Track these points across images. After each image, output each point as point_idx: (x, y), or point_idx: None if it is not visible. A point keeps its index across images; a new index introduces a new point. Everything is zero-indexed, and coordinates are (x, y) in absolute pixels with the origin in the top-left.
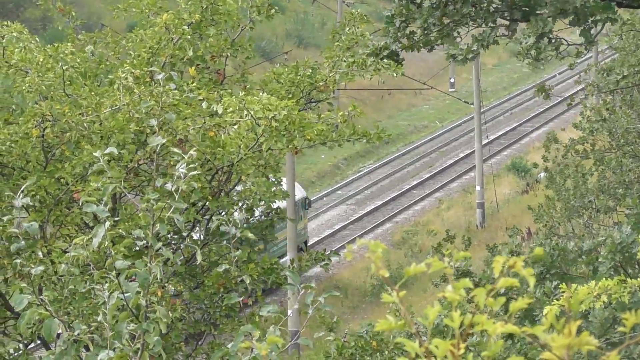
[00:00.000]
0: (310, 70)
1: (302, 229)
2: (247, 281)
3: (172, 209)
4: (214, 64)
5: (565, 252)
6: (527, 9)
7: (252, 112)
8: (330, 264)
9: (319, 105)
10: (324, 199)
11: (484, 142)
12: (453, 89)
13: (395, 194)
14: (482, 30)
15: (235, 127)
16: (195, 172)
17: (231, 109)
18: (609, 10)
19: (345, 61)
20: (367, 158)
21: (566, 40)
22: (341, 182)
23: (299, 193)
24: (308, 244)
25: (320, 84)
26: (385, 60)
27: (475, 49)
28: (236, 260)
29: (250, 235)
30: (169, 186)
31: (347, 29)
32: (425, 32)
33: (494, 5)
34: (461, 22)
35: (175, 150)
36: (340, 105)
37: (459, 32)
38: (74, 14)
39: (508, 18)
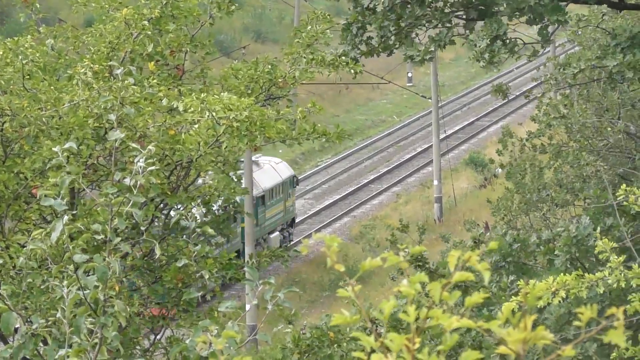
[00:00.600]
0: (270, 67)
1: (290, 206)
2: (206, 276)
3: (130, 203)
4: (173, 59)
5: (526, 243)
6: (483, 8)
7: (212, 112)
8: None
9: (278, 102)
10: None
11: (442, 136)
12: (411, 84)
13: (353, 189)
14: (439, 31)
15: (196, 126)
16: (153, 167)
17: (192, 108)
18: (559, 12)
19: (305, 57)
20: (325, 153)
21: (522, 40)
22: (299, 177)
23: (287, 172)
24: (296, 221)
25: (280, 80)
26: (343, 57)
27: (433, 49)
28: (195, 255)
29: (209, 230)
30: (127, 181)
31: (309, 27)
32: (382, 37)
33: (449, 5)
34: (417, 24)
35: (134, 145)
36: (298, 101)
37: (417, 34)
38: (37, 5)
39: (464, 17)
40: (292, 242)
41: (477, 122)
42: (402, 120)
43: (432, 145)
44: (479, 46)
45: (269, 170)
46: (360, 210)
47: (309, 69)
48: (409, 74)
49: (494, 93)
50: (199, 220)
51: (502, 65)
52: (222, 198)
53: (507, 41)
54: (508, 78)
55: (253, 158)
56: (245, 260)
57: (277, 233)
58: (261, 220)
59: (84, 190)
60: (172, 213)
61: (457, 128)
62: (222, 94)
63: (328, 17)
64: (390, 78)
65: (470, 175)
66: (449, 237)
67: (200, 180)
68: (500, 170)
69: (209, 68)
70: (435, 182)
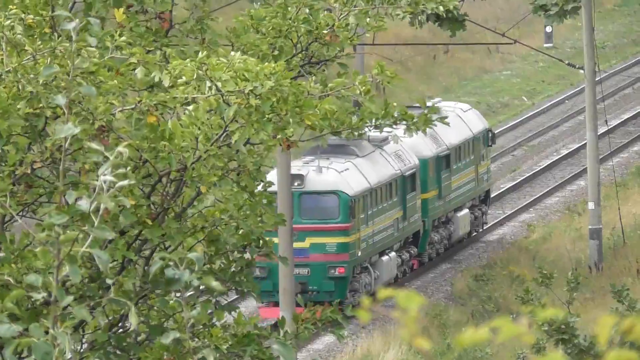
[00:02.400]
0: (308, 11)
1: (484, 173)
2: (210, 358)
3: (89, 240)
4: (155, 3)
5: None
6: None
7: (217, 84)
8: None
9: (324, 68)
10: None
11: (601, 130)
12: (550, 44)
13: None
14: None
15: (191, 107)
16: (126, 182)
17: (184, 78)
18: None
19: None
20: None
21: None
22: None
23: (479, 123)
24: (490, 197)
25: (325, 32)
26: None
27: None
28: (192, 325)
29: (214, 284)
30: (83, 204)
31: None
32: None
33: None
34: None
35: (94, 145)
36: (364, 70)
37: None
38: None
39: None
40: (484, 227)
41: None
42: (536, 103)
43: (585, 144)
44: None
45: (454, 120)
46: (468, 251)
47: (373, 14)
48: (548, 29)
49: None
50: (197, 269)
51: None
52: (241, 231)
53: None
54: None
55: (432, 102)
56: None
57: (467, 211)
58: (445, 190)
59: (11, 218)
60: (155, 256)
61: (625, 117)
62: (232, 54)
63: None
64: (517, 35)
65: None
66: (625, 291)
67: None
68: None
69: (212, 17)
70: (591, 206)
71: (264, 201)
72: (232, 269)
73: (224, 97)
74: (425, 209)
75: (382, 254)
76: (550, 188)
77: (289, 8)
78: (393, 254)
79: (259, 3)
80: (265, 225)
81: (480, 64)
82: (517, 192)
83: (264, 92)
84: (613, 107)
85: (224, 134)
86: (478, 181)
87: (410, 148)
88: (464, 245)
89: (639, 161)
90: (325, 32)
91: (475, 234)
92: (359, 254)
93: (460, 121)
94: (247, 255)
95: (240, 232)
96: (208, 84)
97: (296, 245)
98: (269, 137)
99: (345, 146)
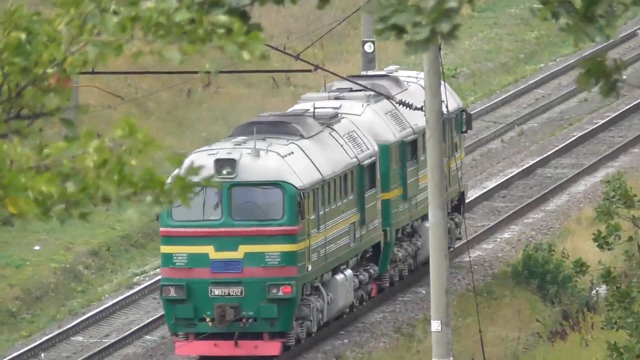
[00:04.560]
0: (26, 37)
1: (456, 169)
2: None
3: None
4: None
5: None
6: None
7: None
8: None
9: (42, 127)
10: None
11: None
12: (371, 71)
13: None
14: None
15: None
16: None
17: None
18: None
19: None
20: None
21: None
22: None
23: (451, 102)
24: (466, 201)
25: (51, 70)
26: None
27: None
28: None
29: None
30: None
31: None
32: None
33: None
34: None
35: None
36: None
37: None
38: None
39: None
40: (458, 243)
41: None
42: None
43: None
44: None
45: (419, 93)
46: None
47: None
48: (368, 47)
49: None
50: None
51: None
52: None
53: None
54: None
55: (388, 69)
56: None
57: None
58: (412, 190)
59: None
60: None
61: (490, 185)
62: None
63: None
64: (320, 58)
65: None
66: None
67: None
68: None
69: None
70: (436, 326)
71: None
72: None
73: None
74: (386, 213)
75: (335, 271)
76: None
77: None
78: (349, 271)
79: None
80: None
81: (260, 103)
82: None
83: None
84: (471, 170)
85: None
86: (450, 180)
87: (366, 130)
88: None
89: (509, 254)
90: (50, 70)
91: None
92: (310, 268)
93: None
94: None
95: None
96: None
97: (225, 255)
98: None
99: (286, 124)
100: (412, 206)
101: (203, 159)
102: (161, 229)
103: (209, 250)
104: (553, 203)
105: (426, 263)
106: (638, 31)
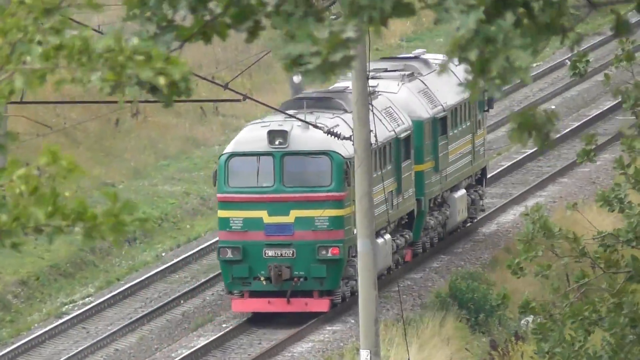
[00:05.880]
0: None
1: (480, 145)
2: None
3: None
4: None
5: None
6: None
7: None
8: None
9: None
10: None
11: None
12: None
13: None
14: None
15: None
16: None
17: None
18: None
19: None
20: None
21: None
22: None
23: None
24: (487, 176)
25: None
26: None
27: None
28: None
29: None
30: None
31: None
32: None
33: None
34: None
35: None
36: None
37: None
38: None
39: None
40: (481, 215)
41: None
42: None
43: None
44: None
45: (447, 75)
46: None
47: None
48: (295, 78)
49: None
50: None
51: None
52: None
53: None
54: None
55: (416, 52)
56: None
57: (464, 191)
58: (442, 163)
59: None
60: None
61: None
62: None
63: None
64: (248, 87)
65: None
66: None
67: None
68: None
69: None
70: (365, 356)
71: None
72: None
73: None
74: (420, 184)
75: (376, 235)
76: None
77: None
78: (388, 236)
79: None
80: None
81: (189, 132)
82: None
83: None
84: None
85: None
86: (474, 155)
87: (402, 107)
88: (460, 236)
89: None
90: None
91: (470, 223)
92: (355, 231)
93: (454, 77)
94: None
95: None
96: None
97: (277, 219)
98: None
99: (330, 99)
100: (442, 178)
101: (257, 130)
102: (218, 194)
103: (263, 214)
104: (482, 233)
105: (453, 232)
106: (567, 61)
